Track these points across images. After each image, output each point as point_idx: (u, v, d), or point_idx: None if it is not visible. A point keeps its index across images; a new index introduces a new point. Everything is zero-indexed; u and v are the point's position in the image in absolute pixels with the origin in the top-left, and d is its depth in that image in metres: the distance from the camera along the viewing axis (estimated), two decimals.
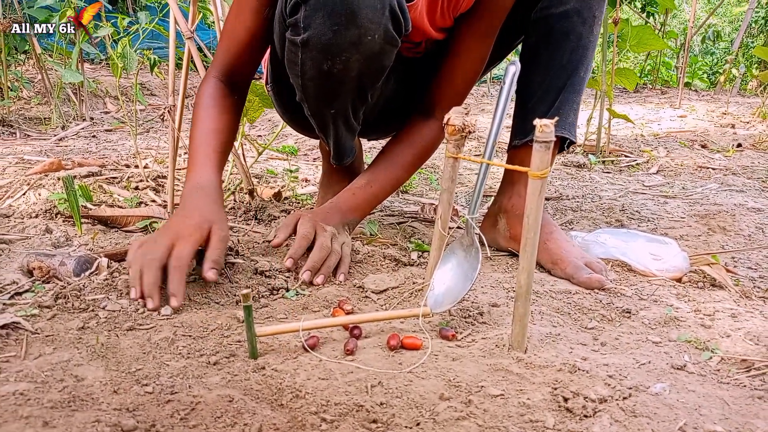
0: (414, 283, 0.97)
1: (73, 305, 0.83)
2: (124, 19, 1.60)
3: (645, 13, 6.13)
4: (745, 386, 0.71)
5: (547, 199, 1.65)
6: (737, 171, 2.09)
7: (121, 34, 1.61)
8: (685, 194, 1.69)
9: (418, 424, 0.61)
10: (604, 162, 2.24)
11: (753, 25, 7.29)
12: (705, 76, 6.70)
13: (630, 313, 0.91)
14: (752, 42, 7.53)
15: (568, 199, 1.64)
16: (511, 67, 0.80)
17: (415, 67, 1.19)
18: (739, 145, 2.77)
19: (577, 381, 0.69)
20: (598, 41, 1.14)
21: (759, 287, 1.06)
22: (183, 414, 0.61)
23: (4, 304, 0.83)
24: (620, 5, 2.31)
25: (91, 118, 2.88)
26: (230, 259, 1.00)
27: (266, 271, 0.98)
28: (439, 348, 0.78)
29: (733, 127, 3.39)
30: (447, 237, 0.88)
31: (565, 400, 0.65)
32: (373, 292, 0.95)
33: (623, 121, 3.77)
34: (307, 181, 1.81)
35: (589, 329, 0.86)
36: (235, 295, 0.91)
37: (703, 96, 5.47)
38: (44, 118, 2.75)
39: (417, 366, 0.72)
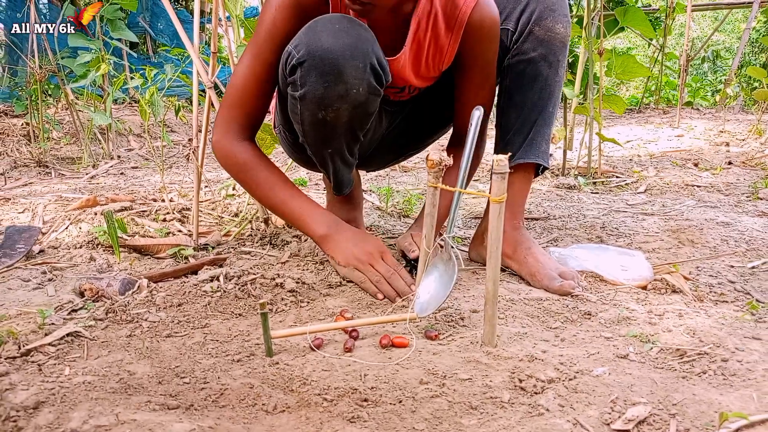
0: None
1: (121, 318, 1.00)
2: (152, 70, 1.81)
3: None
4: (675, 370, 0.85)
5: (535, 219, 1.80)
6: (720, 188, 2.22)
7: (149, 83, 1.81)
8: (664, 211, 1.83)
9: (400, 401, 0.77)
10: (595, 183, 2.39)
11: (756, 42, 7.42)
12: (709, 94, 6.84)
13: (591, 315, 1.06)
14: (755, 60, 7.65)
15: (555, 219, 1.79)
16: (475, 112, 0.97)
17: (404, 109, 1.37)
18: (730, 163, 2.90)
19: (532, 367, 0.84)
20: (563, 79, 1.31)
21: (715, 292, 1.20)
22: (214, 397, 0.78)
23: (64, 318, 1.00)
24: (604, 37, 2.48)
25: (118, 156, 3.10)
26: (250, 275, 1.17)
27: (282, 284, 1.15)
28: (423, 346, 0.93)
29: (727, 145, 3.51)
30: (431, 253, 1.04)
31: (520, 381, 0.80)
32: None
33: (622, 142, 3.93)
34: None
35: (553, 328, 1.01)
36: (254, 308, 1.08)
37: (704, 114, 5.59)
38: (75, 158, 2.98)
39: (403, 359, 0.88)
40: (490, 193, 0.88)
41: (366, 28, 1.08)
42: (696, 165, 2.91)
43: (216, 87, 1.59)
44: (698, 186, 2.30)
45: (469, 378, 0.81)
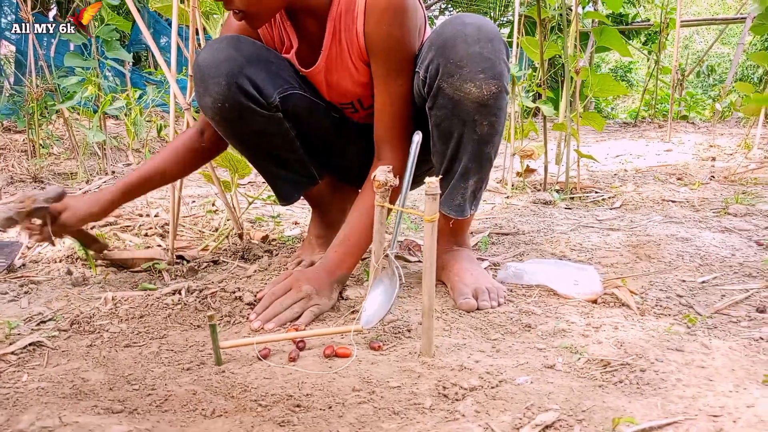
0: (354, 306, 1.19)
1: (84, 329, 1.07)
2: (136, 91, 1.89)
3: (648, 47, 6.39)
4: (595, 379, 0.90)
5: (504, 234, 1.86)
6: (695, 203, 2.27)
7: (134, 104, 1.89)
8: (630, 227, 1.88)
9: (330, 407, 0.82)
10: (572, 198, 2.44)
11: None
12: (707, 107, 6.88)
13: (531, 327, 1.11)
14: (753, 73, 7.71)
15: (524, 234, 1.85)
16: (415, 137, 1.03)
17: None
18: (712, 178, 2.94)
19: (459, 376, 0.89)
20: (495, 134, 1.19)
21: (660, 306, 1.24)
22: (158, 403, 0.83)
23: (32, 329, 1.07)
24: (593, 51, 2.55)
25: (113, 172, 3.18)
26: (211, 289, 1.24)
27: (241, 297, 1.21)
28: (364, 356, 0.99)
29: (713, 159, 3.56)
30: (379, 268, 1.10)
31: (444, 388, 0.85)
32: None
33: (611, 157, 3.97)
34: (296, 224, 2.05)
35: (492, 340, 1.06)
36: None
37: (699, 128, 5.62)
38: (71, 173, 3.07)
39: (342, 368, 0.94)
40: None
41: (246, 49, 1.20)
42: (680, 179, 2.95)
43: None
44: (674, 201, 2.34)
45: (398, 386, 0.87)
